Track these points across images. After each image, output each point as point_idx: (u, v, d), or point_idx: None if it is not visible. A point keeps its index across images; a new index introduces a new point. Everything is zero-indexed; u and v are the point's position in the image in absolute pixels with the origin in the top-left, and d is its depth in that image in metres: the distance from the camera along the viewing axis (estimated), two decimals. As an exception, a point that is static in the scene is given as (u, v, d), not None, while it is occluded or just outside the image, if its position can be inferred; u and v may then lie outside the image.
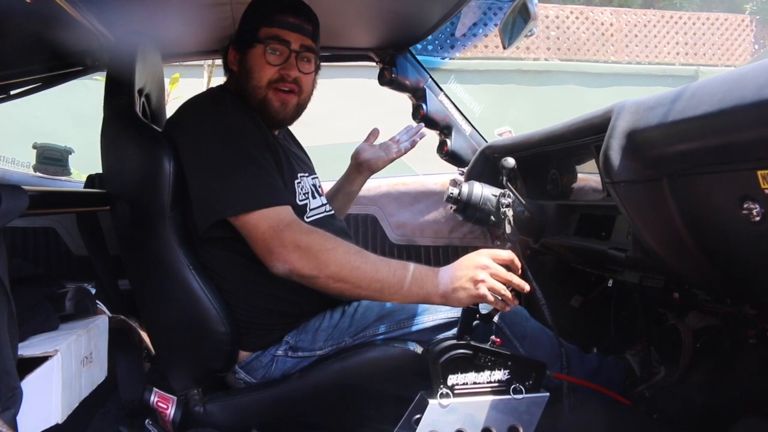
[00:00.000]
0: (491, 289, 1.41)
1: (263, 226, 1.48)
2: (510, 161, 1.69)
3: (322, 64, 1.79)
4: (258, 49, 1.66)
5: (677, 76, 9.82)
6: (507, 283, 1.43)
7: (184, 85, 4.11)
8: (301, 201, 1.68)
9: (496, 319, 1.59)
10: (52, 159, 2.62)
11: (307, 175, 1.78)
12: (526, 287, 1.46)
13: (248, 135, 1.57)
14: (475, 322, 1.49)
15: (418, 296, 1.46)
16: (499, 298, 1.43)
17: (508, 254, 1.46)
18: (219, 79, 1.83)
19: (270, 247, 1.47)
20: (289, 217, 1.50)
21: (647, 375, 1.81)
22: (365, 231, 2.59)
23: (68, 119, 5.96)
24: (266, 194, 1.51)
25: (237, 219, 1.50)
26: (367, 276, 1.44)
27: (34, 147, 2.64)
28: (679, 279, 1.48)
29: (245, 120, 1.60)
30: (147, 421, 1.59)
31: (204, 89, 1.82)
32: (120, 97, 1.68)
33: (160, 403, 1.56)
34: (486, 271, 1.42)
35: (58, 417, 1.33)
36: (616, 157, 1.24)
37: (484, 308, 1.48)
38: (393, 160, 2.17)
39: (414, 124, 2.34)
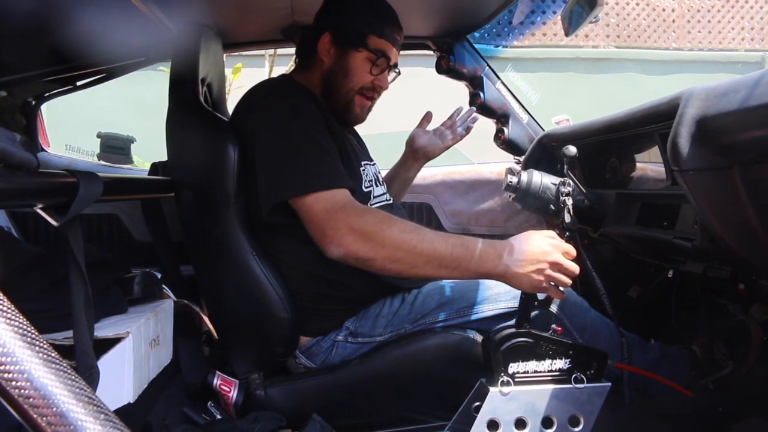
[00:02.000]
0: (555, 282, 1.42)
1: (317, 208, 1.46)
2: (572, 149, 1.67)
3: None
4: (363, 54, 1.69)
5: (743, 62, 9.46)
6: (572, 277, 1.43)
7: (246, 74, 4.15)
8: (366, 188, 1.70)
9: (554, 308, 1.59)
10: (115, 148, 2.68)
11: (369, 163, 1.80)
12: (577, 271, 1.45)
13: (311, 118, 1.58)
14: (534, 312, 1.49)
15: (476, 274, 1.45)
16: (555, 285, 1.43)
17: (572, 249, 1.46)
18: (280, 69, 1.85)
19: (324, 230, 1.45)
20: (344, 199, 1.48)
21: (710, 368, 1.78)
22: (420, 219, 2.59)
23: (131, 109, 6.08)
24: (323, 176, 1.50)
25: (295, 202, 1.50)
26: (424, 255, 1.42)
27: (98, 136, 2.70)
28: (748, 269, 1.45)
29: (310, 104, 1.60)
30: (209, 403, 1.63)
31: (266, 78, 1.85)
32: (185, 87, 1.72)
33: (223, 386, 1.60)
34: (555, 267, 1.41)
35: (130, 396, 1.37)
36: (684, 144, 1.21)
37: (541, 294, 1.47)
38: (449, 147, 2.16)
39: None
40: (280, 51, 4.11)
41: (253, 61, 4.95)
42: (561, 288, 1.44)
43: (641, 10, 9.76)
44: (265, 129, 1.57)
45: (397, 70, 1.78)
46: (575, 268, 1.43)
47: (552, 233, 1.48)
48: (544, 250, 1.42)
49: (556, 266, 1.41)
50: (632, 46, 9.51)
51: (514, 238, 1.46)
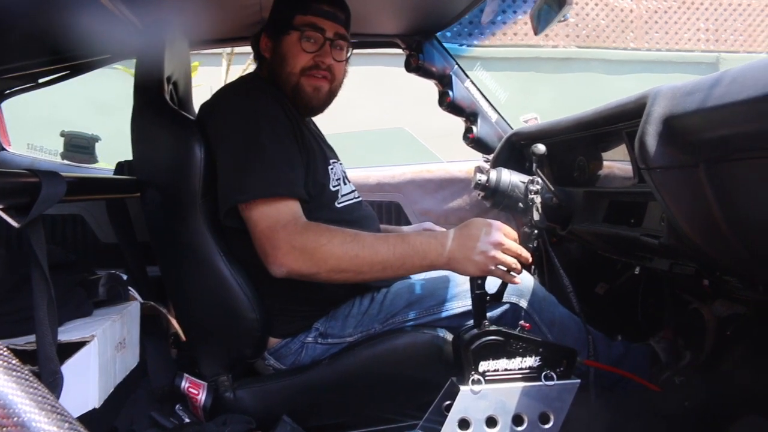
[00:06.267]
0: (502, 264, 1.45)
1: (262, 225, 1.47)
2: (541, 148, 1.68)
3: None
4: (293, 36, 1.66)
5: (698, 62, 9.69)
6: (517, 257, 1.46)
7: (203, 73, 4.10)
8: (333, 187, 1.69)
9: (524, 304, 1.60)
10: (80, 147, 2.62)
11: (337, 161, 1.78)
12: (530, 258, 1.49)
13: (272, 122, 1.56)
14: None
15: (421, 267, 1.49)
16: (504, 269, 1.46)
17: (512, 231, 1.50)
18: (237, 68, 1.84)
19: (265, 249, 1.47)
20: (287, 216, 1.48)
21: (673, 362, 1.80)
22: (389, 218, 2.59)
23: (87, 107, 5.95)
24: (270, 183, 1.49)
25: (242, 211, 1.51)
26: (367, 261, 1.45)
27: (62, 135, 2.65)
28: (713, 266, 1.47)
29: (274, 107, 1.59)
30: (177, 406, 1.60)
31: (222, 77, 1.83)
32: (150, 85, 1.69)
33: (191, 389, 1.58)
34: (500, 248, 1.44)
35: (95, 401, 1.35)
36: (652, 143, 1.22)
37: (491, 288, 1.49)
38: None
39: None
40: (237, 49, 4.07)
41: (211, 60, 4.87)
42: (513, 273, 1.47)
43: (600, 10, 9.93)
44: (226, 131, 1.57)
45: (347, 42, 1.74)
46: (519, 248, 1.47)
47: (502, 226, 1.49)
48: (484, 232, 1.45)
49: (499, 246, 1.44)
50: (591, 45, 9.69)
51: (457, 227, 1.50)
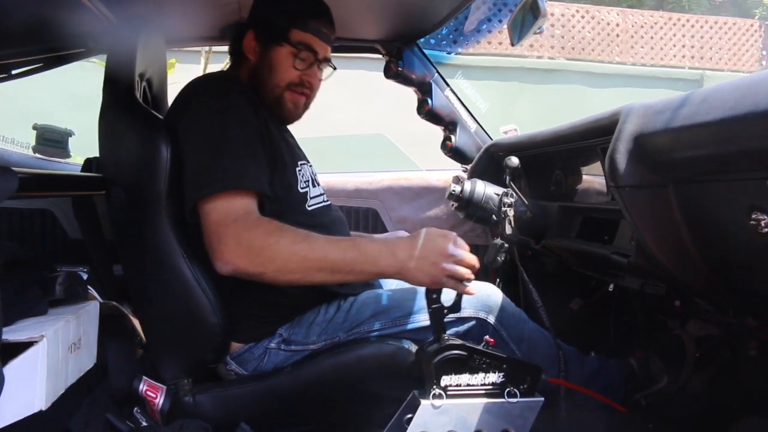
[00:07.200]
0: (454, 275, 1.42)
1: (212, 217, 1.43)
2: (514, 160, 1.66)
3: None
4: (286, 49, 1.65)
5: (682, 79, 9.78)
6: (470, 268, 1.44)
7: (181, 70, 4.05)
8: (302, 189, 1.66)
9: (492, 320, 1.58)
10: (52, 141, 2.59)
11: (306, 163, 1.76)
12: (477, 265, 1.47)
13: (241, 122, 1.53)
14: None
15: (371, 274, 1.47)
16: (457, 279, 1.44)
17: (465, 243, 1.47)
18: (215, 66, 1.81)
19: (212, 244, 1.42)
20: (239, 210, 1.44)
21: (646, 382, 1.78)
22: (366, 225, 2.57)
23: (65, 100, 5.87)
24: (228, 178, 1.45)
25: (198, 207, 1.46)
26: (316, 263, 1.41)
27: (34, 128, 2.61)
28: (682, 287, 1.46)
29: (245, 106, 1.56)
30: (135, 409, 1.57)
31: (205, 74, 1.80)
32: (120, 82, 1.66)
33: (149, 392, 1.54)
34: (452, 260, 1.42)
35: (41, 404, 1.31)
36: (622, 160, 1.21)
37: (447, 301, 1.46)
38: None
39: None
40: (215, 48, 4.05)
41: (188, 57, 4.82)
42: (465, 282, 1.44)
43: (586, 23, 9.99)
44: (195, 129, 1.54)
45: (331, 65, 1.76)
46: (472, 259, 1.44)
47: (456, 237, 1.47)
48: (436, 243, 1.43)
49: (451, 258, 1.41)
50: (577, 58, 9.73)
51: (410, 236, 1.47)
